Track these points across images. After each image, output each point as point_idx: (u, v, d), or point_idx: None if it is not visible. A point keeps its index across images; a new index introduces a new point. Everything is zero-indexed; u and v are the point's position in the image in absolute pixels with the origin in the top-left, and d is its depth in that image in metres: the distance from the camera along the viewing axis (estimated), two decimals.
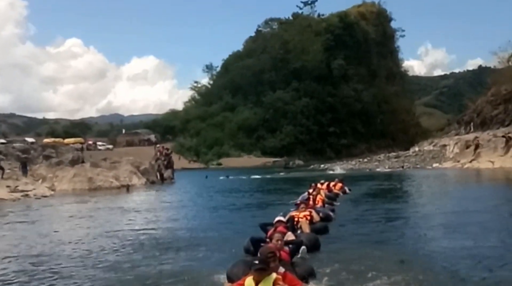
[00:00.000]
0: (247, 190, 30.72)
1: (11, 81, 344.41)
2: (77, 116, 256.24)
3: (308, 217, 11.82)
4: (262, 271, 5.73)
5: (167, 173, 40.36)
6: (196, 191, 31.62)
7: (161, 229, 13.99)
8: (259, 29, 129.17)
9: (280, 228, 9.76)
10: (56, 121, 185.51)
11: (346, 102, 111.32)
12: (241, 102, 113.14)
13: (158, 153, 43.34)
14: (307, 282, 7.12)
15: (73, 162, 39.28)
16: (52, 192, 27.66)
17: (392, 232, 12.00)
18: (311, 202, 14.30)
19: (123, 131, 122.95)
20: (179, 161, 71.49)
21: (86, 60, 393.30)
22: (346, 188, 23.09)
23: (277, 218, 10.25)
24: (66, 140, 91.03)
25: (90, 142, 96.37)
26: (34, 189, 26.28)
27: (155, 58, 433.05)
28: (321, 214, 13.06)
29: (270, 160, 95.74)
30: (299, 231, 10.76)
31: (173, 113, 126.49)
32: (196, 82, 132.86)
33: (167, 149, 45.57)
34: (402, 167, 51.58)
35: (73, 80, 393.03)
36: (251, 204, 21.34)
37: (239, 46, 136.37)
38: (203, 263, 9.21)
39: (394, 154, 65.27)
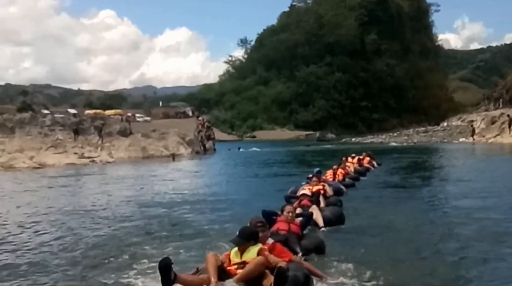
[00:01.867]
0: (280, 161, 32.86)
1: (46, 52, 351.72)
2: (111, 88, 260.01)
3: (322, 191, 11.57)
4: (241, 244, 5.72)
5: (208, 144, 43.73)
6: (232, 161, 34.08)
7: (197, 191, 16.13)
8: (293, 3, 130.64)
9: (305, 201, 9.98)
10: (91, 92, 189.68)
11: (379, 76, 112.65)
12: (274, 76, 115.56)
13: (200, 126, 46.63)
14: (309, 255, 7.03)
15: (121, 133, 42.92)
16: (113, 159, 31.27)
17: (414, 215, 10.88)
18: (324, 177, 14.36)
19: (160, 103, 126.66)
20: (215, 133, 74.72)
21: (120, 31, 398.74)
22: (374, 163, 23.31)
23: (302, 191, 10.57)
24: (107, 112, 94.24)
25: (129, 114, 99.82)
26: (98, 156, 29.94)
27: (188, 30, 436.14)
28: (332, 188, 12.94)
29: (302, 133, 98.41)
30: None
31: (208, 86, 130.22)
32: (230, 56, 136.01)
33: (208, 122, 48.84)
34: (415, 142, 53.56)
35: (107, 51, 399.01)
36: (280, 174, 22.65)
37: (273, 21, 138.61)
38: (222, 225, 9.90)
39: (422, 128, 67.33)
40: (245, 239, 5.71)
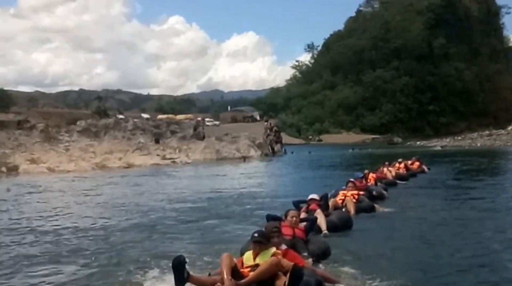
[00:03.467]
0: (346, 163, 34.67)
1: (118, 59, 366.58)
2: (179, 92, 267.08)
3: (356, 196, 11.86)
4: (260, 244, 5.77)
5: (277, 147, 46.52)
6: (299, 163, 36.14)
7: (258, 189, 17.91)
8: (360, 8, 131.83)
9: (313, 205, 10.00)
10: (160, 97, 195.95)
11: (447, 81, 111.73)
12: (341, 81, 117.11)
13: (268, 130, 49.47)
14: (317, 260, 7.06)
15: (194, 136, 46.55)
16: (190, 160, 34.64)
17: (442, 223, 10.49)
18: (364, 181, 14.55)
19: (229, 108, 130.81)
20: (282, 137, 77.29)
21: (188, 37, 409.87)
22: (425, 167, 23.42)
23: (310, 196, 10.50)
24: (178, 117, 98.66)
25: (199, 119, 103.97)
26: (178, 157, 33.41)
27: (255, 34, 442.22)
28: (374, 192, 13.42)
29: (369, 137, 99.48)
30: (344, 209, 11.12)
31: (275, 91, 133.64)
32: (297, 61, 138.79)
33: (276, 126, 51.63)
34: (472, 144, 53.98)
35: (176, 57, 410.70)
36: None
37: (339, 26, 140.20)
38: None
39: (487, 132, 67.29)
40: (266, 238, 5.86)
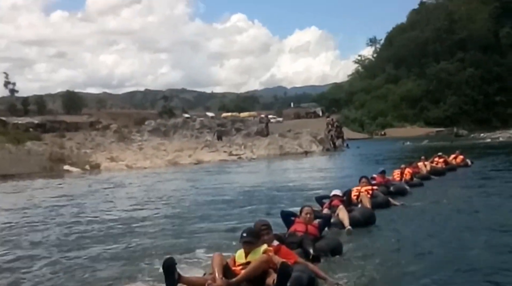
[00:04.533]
0: (398, 156, 34.19)
1: (182, 58, 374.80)
2: (242, 90, 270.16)
3: (370, 191, 11.85)
4: (249, 244, 5.84)
5: (338, 142, 47.90)
6: (359, 158, 36.35)
7: (314, 182, 19.15)
8: (423, 0, 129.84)
9: (335, 201, 10.18)
10: (224, 95, 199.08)
11: None
12: (404, 74, 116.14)
13: (329, 125, 50.85)
14: (316, 258, 6.96)
15: (258, 133, 48.65)
16: (255, 156, 36.76)
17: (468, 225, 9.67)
18: (385, 176, 14.71)
19: (291, 104, 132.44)
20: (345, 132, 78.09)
21: (251, 34, 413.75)
22: (468, 161, 23.11)
23: (333, 192, 10.70)
24: (242, 114, 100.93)
25: (262, 116, 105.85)
26: (244, 153, 35.63)
27: (317, 29, 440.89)
28: (392, 188, 13.60)
29: (433, 130, 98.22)
30: (359, 205, 10.90)
31: (337, 86, 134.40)
32: (359, 55, 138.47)
33: (337, 121, 53.00)
34: None
35: (239, 54, 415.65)
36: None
37: (402, 19, 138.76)
38: None
39: None
40: (255, 237, 5.95)
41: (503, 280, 6.15)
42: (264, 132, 49.74)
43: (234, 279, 5.44)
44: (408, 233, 9.06)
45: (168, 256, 5.71)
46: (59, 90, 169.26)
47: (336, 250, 7.46)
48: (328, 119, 58.17)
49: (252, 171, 26.77)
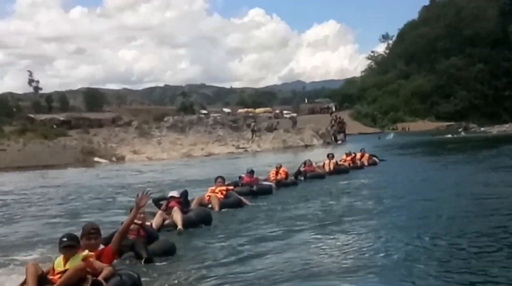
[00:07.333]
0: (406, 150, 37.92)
1: (200, 53, 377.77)
2: (261, 85, 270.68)
3: (224, 192, 12.10)
4: (70, 248, 5.59)
5: (340, 137, 52.25)
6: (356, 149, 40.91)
7: None
8: None
9: (172, 203, 9.98)
10: (242, 90, 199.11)
11: None
12: (415, 70, 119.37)
13: (333, 121, 55.39)
14: (149, 259, 7.05)
15: (268, 129, 53.29)
16: (260, 149, 41.46)
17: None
18: (253, 176, 14.73)
19: (306, 100, 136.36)
20: (356, 126, 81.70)
21: (269, 29, 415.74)
22: (376, 159, 24.16)
23: (170, 193, 10.52)
24: (257, 110, 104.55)
25: (277, 111, 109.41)
26: (250, 147, 40.43)
27: (336, 22, 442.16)
28: (255, 188, 13.86)
29: (443, 124, 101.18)
30: (209, 206, 11.41)
31: (350, 82, 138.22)
32: (372, 51, 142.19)
33: (340, 118, 57.45)
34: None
35: (257, 49, 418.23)
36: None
37: (414, 15, 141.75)
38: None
39: None
40: (76, 241, 5.71)
41: None
42: (272, 128, 54.26)
43: None
44: (241, 234, 9.18)
45: None
46: (79, 86, 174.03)
47: (169, 252, 7.66)
48: (332, 116, 62.39)
49: (251, 160, 31.20)
